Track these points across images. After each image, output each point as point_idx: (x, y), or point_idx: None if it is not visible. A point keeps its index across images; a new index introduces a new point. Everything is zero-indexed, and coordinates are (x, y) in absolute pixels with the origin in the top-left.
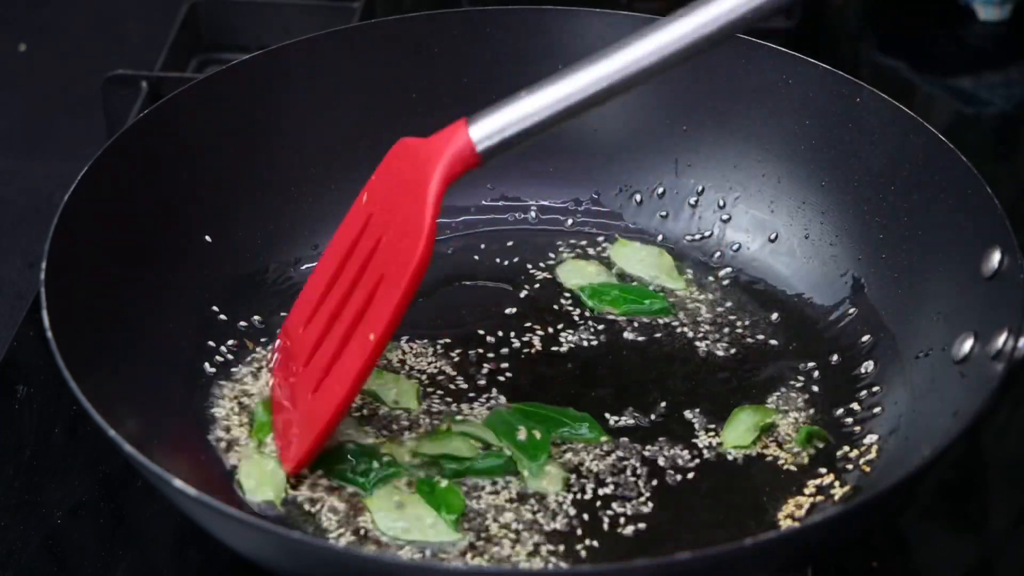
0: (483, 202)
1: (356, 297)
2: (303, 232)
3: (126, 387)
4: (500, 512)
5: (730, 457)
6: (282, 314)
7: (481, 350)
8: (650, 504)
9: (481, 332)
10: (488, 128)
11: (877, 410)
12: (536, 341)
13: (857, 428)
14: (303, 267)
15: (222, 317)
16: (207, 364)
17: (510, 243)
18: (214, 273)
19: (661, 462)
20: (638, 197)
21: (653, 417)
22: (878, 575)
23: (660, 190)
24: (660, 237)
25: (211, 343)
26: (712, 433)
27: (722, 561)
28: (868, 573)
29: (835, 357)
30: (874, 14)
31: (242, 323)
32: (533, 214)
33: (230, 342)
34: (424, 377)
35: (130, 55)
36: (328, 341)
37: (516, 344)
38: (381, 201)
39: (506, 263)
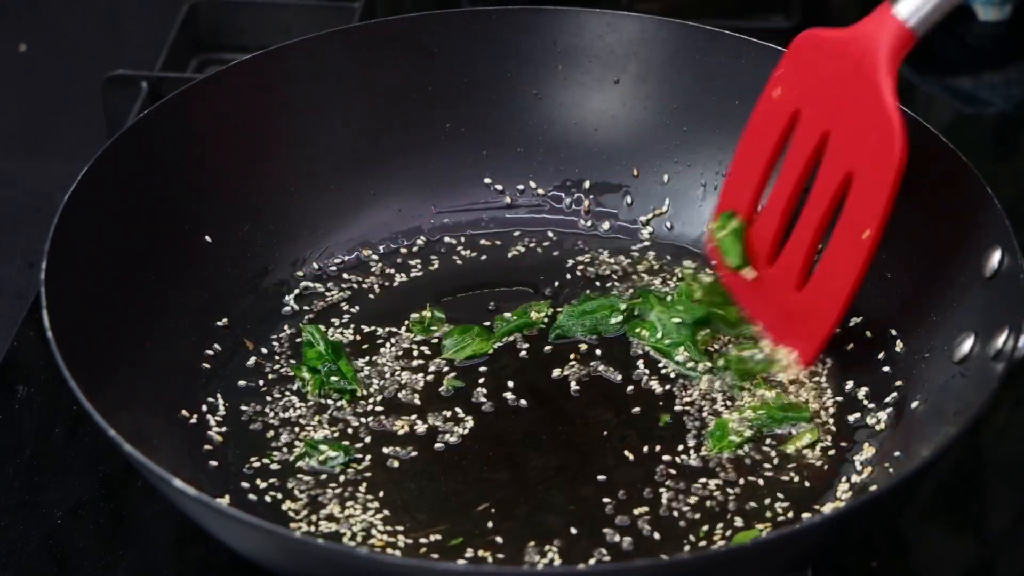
0: (483, 200)
1: (821, 194)
2: (303, 232)
3: (126, 387)
4: None
5: (729, 457)
6: (283, 313)
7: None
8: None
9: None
10: (914, 2)
11: (877, 410)
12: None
13: (857, 428)
14: (303, 268)
15: (222, 317)
16: (207, 364)
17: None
18: (214, 273)
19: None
20: (637, 197)
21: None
22: (878, 575)
23: (659, 189)
24: (658, 236)
25: (211, 343)
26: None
27: (722, 561)
28: (868, 573)
29: (835, 357)
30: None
31: (241, 323)
32: (532, 214)
33: (230, 342)
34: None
35: (130, 55)
36: (798, 238)
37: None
38: (809, 97)
39: (519, 263)
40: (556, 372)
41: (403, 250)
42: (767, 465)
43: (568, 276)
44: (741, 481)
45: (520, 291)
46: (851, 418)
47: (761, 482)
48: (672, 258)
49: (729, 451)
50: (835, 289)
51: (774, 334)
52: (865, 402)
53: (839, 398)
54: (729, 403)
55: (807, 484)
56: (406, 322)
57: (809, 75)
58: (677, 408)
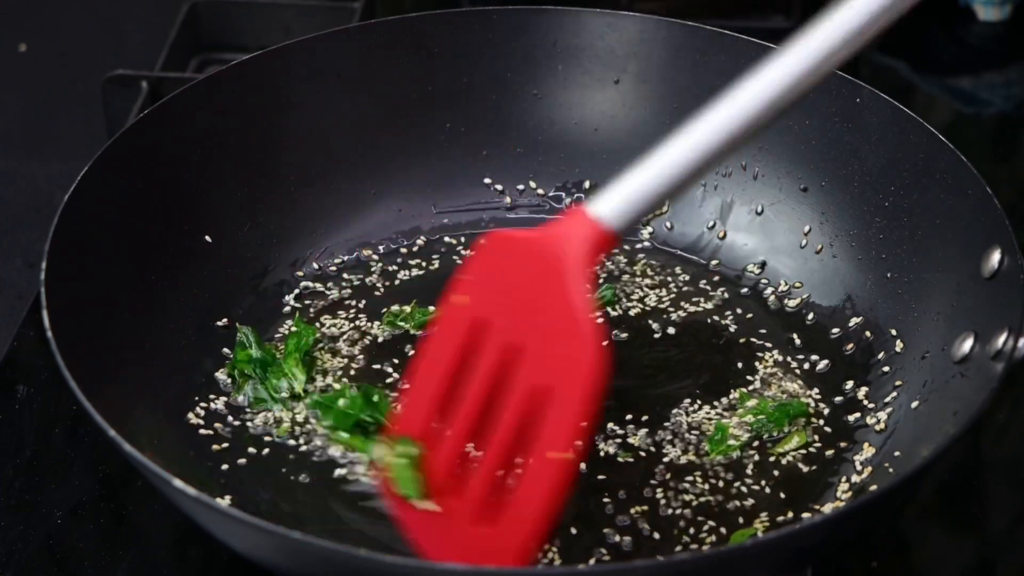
0: (483, 200)
1: (510, 413)
2: (303, 232)
3: (126, 387)
4: None
5: (729, 457)
6: (283, 312)
7: None
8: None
9: None
10: (612, 203)
11: (877, 410)
12: None
13: (857, 428)
14: (303, 268)
15: (222, 317)
16: (207, 364)
17: None
18: (214, 273)
19: (660, 458)
20: None
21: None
22: (878, 575)
23: None
24: (656, 236)
25: (211, 343)
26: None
27: (722, 561)
28: (868, 573)
29: (834, 357)
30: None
31: (242, 323)
32: (532, 215)
33: (230, 342)
34: None
35: (130, 55)
36: (486, 465)
37: None
38: (496, 306)
39: None
40: None
41: (403, 250)
42: (767, 465)
43: None
44: (741, 481)
45: None
46: (851, 418)
47: (761, 482)
48: (671, 259)
49: (730, 453)
50: (525, 515)
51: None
52: (865, 402)
53: (839, 398)
54: (729, 410)
55: (807, 484)
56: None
57: (496, 281)
58: (676, 411)
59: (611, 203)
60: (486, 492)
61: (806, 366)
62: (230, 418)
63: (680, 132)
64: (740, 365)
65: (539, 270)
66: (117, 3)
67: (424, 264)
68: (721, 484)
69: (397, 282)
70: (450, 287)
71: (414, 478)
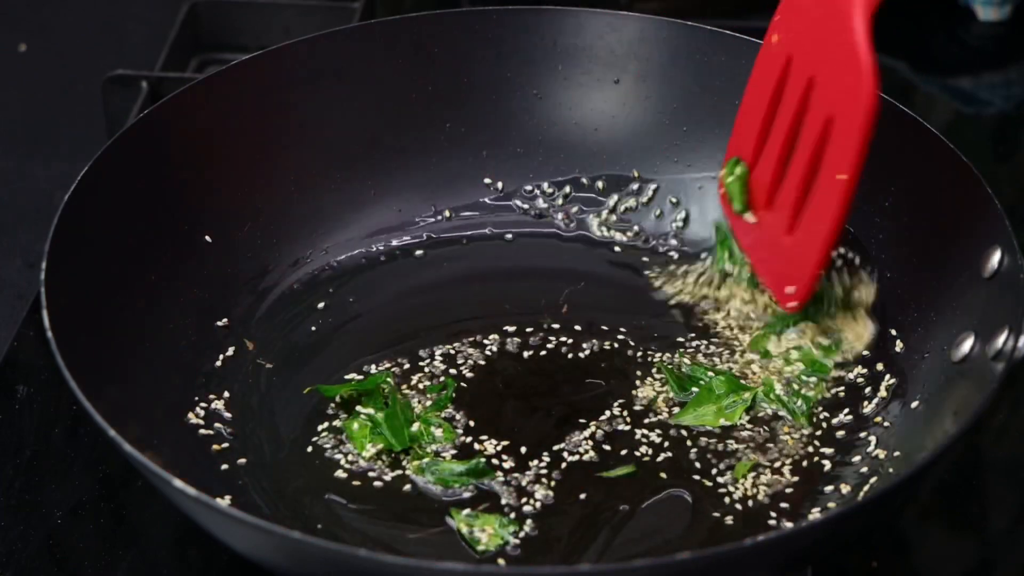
0: (484, 200)
1: (805, 140)
2: (303, 232)
3: (126, 387)
4: None
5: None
6: (283, 312)
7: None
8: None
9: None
10: None
11: (877, 410)
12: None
13: (857, 428)
14: (303, 268)
15: (221, 317)
16: (207, 364)
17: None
18: (214, 273)
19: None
20: (637, 197)
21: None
22: (878, 575)
23: (659, 189)
24: (657, 237)
25: (211, 343)
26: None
27: (722, 561)
28: (868, 573)
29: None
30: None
31: (241, 323)
32: (532, 214)
33: (230, 342)
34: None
35: (130, 55)
36: (787, 184)
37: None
38: (799, 40)
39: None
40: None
41: (403, 250)
42: (767, 465)
43: (568, 276)
44: (741, 480)
45: (521, 291)
46: (851, 418)
47: (761, 482)
48: (669, 257)
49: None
50: (816, 232)
51: (768, 277)
52: (864, 402)
53: (838, 398)
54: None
55: (807, 484)
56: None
57: (798, 20)
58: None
59: None
60: (790, 208)
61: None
62: (229, 418)
63: None
64: (739, 368)
65: (827, 8)
66: (117, 3)
67: (424, 264)
68: (722, 484)
69: (397, 281)
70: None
71: (742, 194)
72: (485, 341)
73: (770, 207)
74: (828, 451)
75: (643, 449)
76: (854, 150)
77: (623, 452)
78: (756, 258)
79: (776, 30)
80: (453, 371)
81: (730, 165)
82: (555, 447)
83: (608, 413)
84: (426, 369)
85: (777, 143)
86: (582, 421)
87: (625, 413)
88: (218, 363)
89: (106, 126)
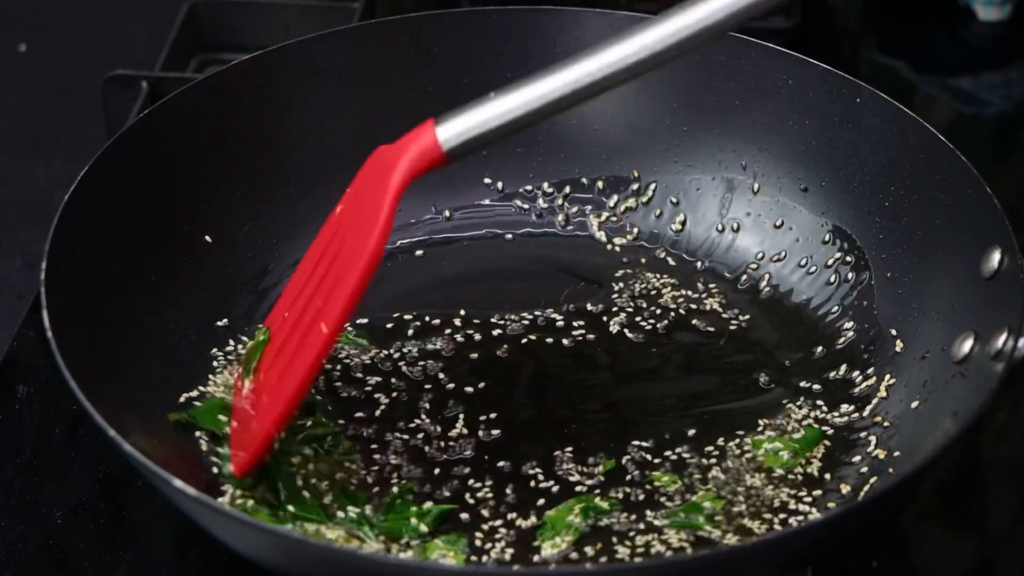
0: (484, 200)
1: (316, 297)
2: (303, 232)
3: (126, 387)
4: None
5: (734, 453)
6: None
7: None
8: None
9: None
10: (456, 128)
11: (877, 410)
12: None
13: (857, 428)
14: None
15: (222, 317)
16: (206, 364)
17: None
18: (214, 273)
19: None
20: (636, 196)
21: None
22: (878, 575)
23: (659, 189)
24: (657, 237)
25: (211, 343)
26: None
27: (722, 561)
28: (868, 573)
29: (834, 357)
30: (874, 14)
31: (241, 323)
32: (532, 214)
33: (229, 342)
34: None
35: (130, 55)
36: (287, 344)
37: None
38: (350, 208)
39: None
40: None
41: (403, 250)
42: (767, 464)
43: (568, 276)
44: (742, 480)
45: (521, 291)
46: (851, 418)
47: (762, 481)
48: (669, 259)
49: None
50: (288, 386)
51: (234, 438)
52: (864, 402)
53: (838, 398)
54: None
55: (808, 484)
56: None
57: (357, 188)
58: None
59: (454, 127)
60: (281, 367)
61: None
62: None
63: (532, 79)
64: (740, 368)
65: (377, 173)
66: (117, 3)
67: (424, 264)
68: (723, 483)
69: (397, 281)
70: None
71: (253, 359)
72: (485, 341)
73: (269, 370)
74: (828, 451)
75: (640, 456)
76: (342, 301)
77: (622, 451)
78: (237, 420)
79: (342, 201)
80: (453, 371)
81: (259, 333)
82: (555, 452)
83: (609, 415)
84: (424, 370)
85: (296, 308)
86: (580, 424)
87: (625, 415)
88: (218, 363)
89: (106, 126)
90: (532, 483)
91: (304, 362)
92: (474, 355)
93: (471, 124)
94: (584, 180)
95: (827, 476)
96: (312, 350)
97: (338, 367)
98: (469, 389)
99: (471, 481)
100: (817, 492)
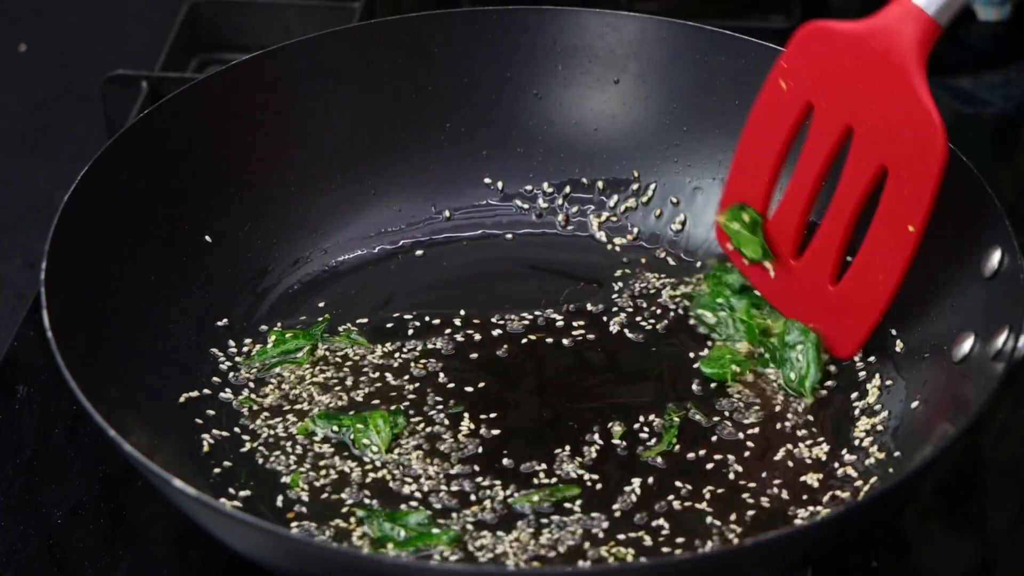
0: (484, 200)
1: (851, 187)
2: (303, 232)
3: (126, 387)
4: None
5: (734, 450)
6: (283, 312)
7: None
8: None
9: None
10: None
11: (877, 410)
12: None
13: (857, 428)
14: (303, 268)
15: (222, 317)
16: (207, 364)
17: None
18: (214, 273)
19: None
20: (637, 197)
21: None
22: (878, 575)
23: (659, 189)
24: (659, 237)
25: (211, 343)
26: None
27: (722, 561)
28: (868, 573)
29: (834, 357)
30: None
31: (241, 323)
32: (532, 214)
33: (229, 342)
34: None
35: (130, 55)
36: (828, 232)
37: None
38: (824, 90)
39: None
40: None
41: (403, 250)
42: (767, 464)
43: (568, 276)
44: (743, 480)
45: (520, 291)
46: (850, 418)
47: (762, 479)
48: (669, 259)
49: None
50: (879, 281)
51: (813, 324)
52: (865, 402)
53: (838, 399)
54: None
55: (808, 484)
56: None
57: (822, 68)
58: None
59: None
60: (835, 257)
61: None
62: (230, 418)
63: None
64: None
65: (874, 61)
66: (117, 3)
67: (424, 264)
68: (725, 481)
69: (397, 281)
70: (770, 73)
71: (758, 242)
72: (485, 341)
73: (802, 256)
74: (828, 451)
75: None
76: (926, 203)
77: (620, 451)
78: (786, 305)
79: (786, 76)
80: (453, 371)
81: (732, 211)
82: (555, 451)
83: (608, 415)
84: (425, 369)
85: (803, 191)
86: (579, 424)
87: (624, 416)
88: (218, 363)
89: (106, 126)
90: (535, 480)
91: (896, 261)
92: (474, 355)
93: None
94: (584, 180)
95: (827, 476)
96: (903, 249)
97: (338, 367)
98: (469, 389)
99: (474, 479)
100: (817, 492)
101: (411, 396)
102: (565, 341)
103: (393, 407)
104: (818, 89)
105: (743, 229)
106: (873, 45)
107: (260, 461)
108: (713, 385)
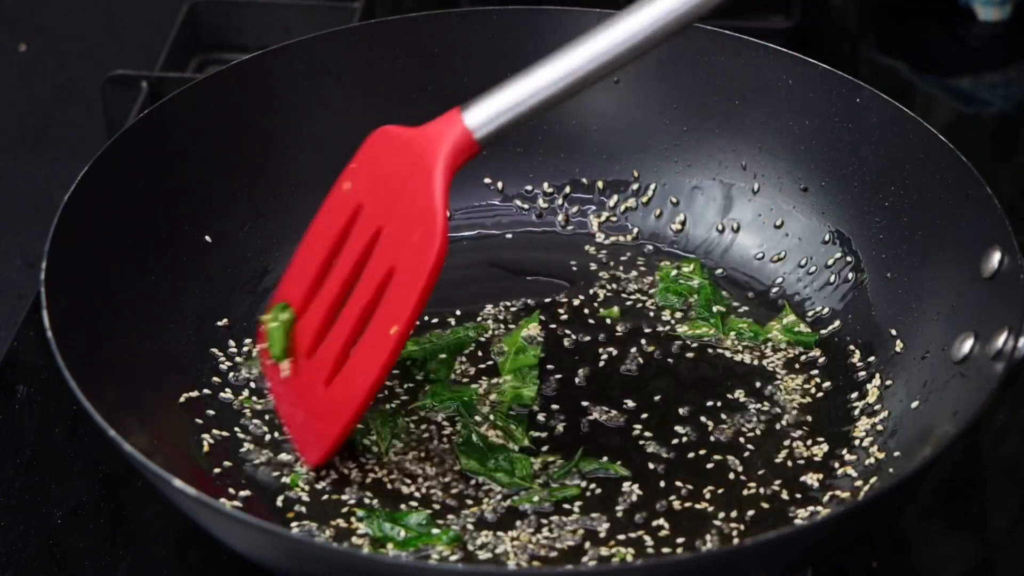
0: (483, 200)
1: (363, 288)
2: (303, 232)
3: (126, 387)
4: None
5: (734, 450)
6: None
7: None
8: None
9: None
10: (484, 115)
11: (877, 410)
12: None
13: (857, 428)
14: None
15: (221, 317)
16: (207, 364)
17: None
18: (214, 273)
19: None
20: (637, 197)
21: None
22: (878, 575)
23: (658, 189)
24: (658, 237)
25: (210, 343)
26: (711, 425)
27: (722, 561)
28: (868, 573)
29: (834, 357)
30: (874, 14)
31: (241, 323)
32: (532, 214)
33: (229, 342)
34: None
35: (130, 55)
36: (335, 333)
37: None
38: (371, 192)
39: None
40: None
41: None
42: (767, 464)
43: (567, 276)
44: (743, 480)
45: (521, 291)
46: (851, 417)
47: (762, 479)
48: (671, 258)
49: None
50: (357, 384)
51: (294, 433)
52: (865, 402)
53: (838, 399)
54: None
55: (808, 484)
56: None
57: (375, 171)
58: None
59: (481, 115)
60: (333, 358)
61: (806, 365)
62: (230, 418)
63: (549, 59)
64: (741, 368)
65: (409, 163)
66: (117, 3)
67: None
68: (726, 481)
69: None
70: (340, 174)
71: (282, 341)
72: (484, 340)
73: (311, 356)
74: (829, 451)
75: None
76: (410, 306)
77: (623, 450)
78: (284, 409)
79: (350, 177)
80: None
81: (276, 310)
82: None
83: (612, 413)
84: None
85: (331, 291)
86: (579, 423)
87: (626, 415)
88: (218, 363)
89: (106, 126)
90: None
91: (374, 363)
92: (474, 355)
93: (499, 109)
94: (584, 180)
95: (827, 476)
96: (382, 352)
97: None
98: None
99: (474, 479)
100: (817, 492)
101: (410, 396)
102: (565, 341)
103: (393, 407)
104: (367, 191)
105: (277, 327)
106: (415, 149)
107: (260, 461)
108: (713, 385)
